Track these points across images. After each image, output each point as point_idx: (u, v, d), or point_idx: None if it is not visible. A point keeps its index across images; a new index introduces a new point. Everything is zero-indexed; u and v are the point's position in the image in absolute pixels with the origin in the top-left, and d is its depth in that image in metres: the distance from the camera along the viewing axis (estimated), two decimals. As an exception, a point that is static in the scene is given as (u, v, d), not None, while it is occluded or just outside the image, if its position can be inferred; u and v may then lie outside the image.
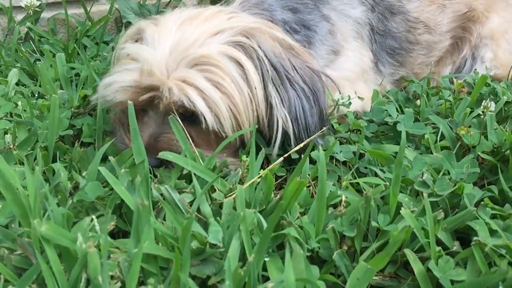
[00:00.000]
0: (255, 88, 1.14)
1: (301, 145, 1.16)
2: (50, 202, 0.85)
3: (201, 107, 1.09)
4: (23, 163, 1.17)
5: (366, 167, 1.20)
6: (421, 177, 1.02)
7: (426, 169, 1.09)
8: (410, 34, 1.69)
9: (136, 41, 1.22)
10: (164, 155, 1.05)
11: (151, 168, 1.04)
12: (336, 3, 1.52)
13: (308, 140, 1.16)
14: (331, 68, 1.42)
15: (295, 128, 1.18)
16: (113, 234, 0.98)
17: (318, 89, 1.21)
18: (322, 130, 1.21)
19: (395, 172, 0.96)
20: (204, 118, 1.10)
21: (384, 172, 1.14)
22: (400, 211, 0.89)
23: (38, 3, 1.91)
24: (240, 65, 1.14)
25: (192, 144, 1.10)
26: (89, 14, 2.05)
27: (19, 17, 2.00)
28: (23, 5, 1.90)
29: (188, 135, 1.11)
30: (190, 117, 1.13)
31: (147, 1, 2.15)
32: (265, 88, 1.16)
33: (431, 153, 1.24)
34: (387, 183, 1.02)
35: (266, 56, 1.16)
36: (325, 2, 1.50)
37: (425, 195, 0.91)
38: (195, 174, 1.03)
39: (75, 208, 1.00)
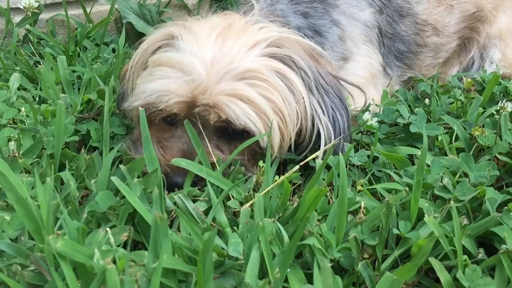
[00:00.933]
0: (303, 98, 1.14)
1: (323, 149, 1.15)
2: (64, 216, 0.82)
3: (256, 123, 1.08)
4: (28, 172, 1.14)
5: (380, 171, 1.18)
6: (441, 182, 1.00)
7: (443, 172, 1.07)
8: (419, 37, 1.68)
9: (160, 47, 1.20)
10: (177, 161, 1.02)
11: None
12: (345, 6, 1.51)
13: (330, 145, 1.15)
14: (341, 75, 1.40)
15: (335, 135, 1.17)
16: (125, 245, 0.95)
17: (343, 96, 1.21)
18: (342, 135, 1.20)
19: (416, 177, 0.94)
20: (250, 130, 1.09)
21: (400, 176, 1.12)
22: (424, 219, 0.87)
23: (36, 4, 1.86)
24: (285, 77, 1.13)
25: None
26: (88, 15, 2.01)
27: (17, 18, 1.96)
28: (21, 7, 1.85)
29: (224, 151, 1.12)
30: (227, 132, 1.12)
31: (147, 1, 2.11)
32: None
33: (445, 154, 1.22)
34: (406, 188, 1.00)
35: (302, 66, 1.16)
36: (334, 6, 1.48)
37: (452, 202, 0.89)
38: (209, 181, 1.00)
39: (85, 218, 0.97)
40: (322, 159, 1.10)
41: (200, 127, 1.10)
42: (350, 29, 1.48)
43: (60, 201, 0.91)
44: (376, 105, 1.41)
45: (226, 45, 1.12)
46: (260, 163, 1.06)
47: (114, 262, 0.77)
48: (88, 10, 2.02)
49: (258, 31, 1.17)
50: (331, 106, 1.17)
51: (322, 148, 1.15)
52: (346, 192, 0.89)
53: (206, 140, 1.10)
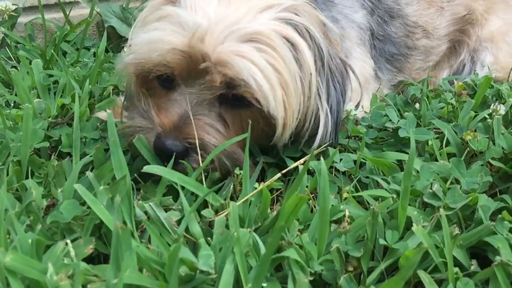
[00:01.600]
0: (311, 74, 1.04)
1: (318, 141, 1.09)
2: (16, 227, 0.75)
3: (259, 83, 0.97)
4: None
5: (367, 177, 1.11)
6: (431, 188, 0.93)
7: (433, 178, 1.01)
8: (409, 39, 1.65)
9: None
10: (149, 168, 0.95)
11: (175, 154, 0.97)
12: (341, 6, 1.46)
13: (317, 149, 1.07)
14: None
15: (331, 124, 1.10)
16: (93, 258, 0.88)
17: (345, 84, 1.14)
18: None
19: (403, 184, 0.87)
20: (257, 98, 0.99)
21: (388, 182, 1.05)
22: (412, 228, 0.80)
23: (14, 7, 1.81)
24: (296, 48, 1.03)
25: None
26: (68, 18, 1.95)
27: (-6, 22, 1.90)
28: (-3, 10, 1.79)
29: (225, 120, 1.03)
30: (229, 101, 1.03)
31: (130, 4, 2.05)
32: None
33: (436, 160, 1.16)
34: (393, 195, 0.93)
35: (317, 40, 1.06)
36: (333, 4, 1.44)
37: (441, 210, 0.82)
38: (183, 187, 0.93)
39: (50, 229, 0.90)
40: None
41: (200, 91, 1.01)
42: (348, 30, 1.44)
43: (21, 211, 0.84)
44: (365, 112, 1.35)
45: (234, 5, 1.02)
46: (237, 170, 1.00)
47: (72, 277, 0.70)
48: (68, 13, 1.95)
49: None
50: (334, 92, 1.09)
51: (318, 138, 1.08)
52: (328, 199, 0.83)
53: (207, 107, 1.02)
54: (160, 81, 1.08)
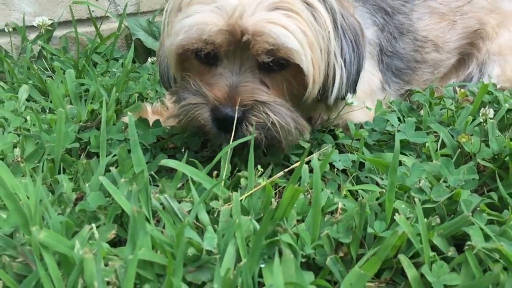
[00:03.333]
0: (329, 32, 1.17)
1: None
2: (50, 211, 0.87)
3: (293, 45, 1.10)
4: (31, 176, 1.21)
5: (366, 176, 1.21)
6: (418, 184, 1.02)
7: (425, 176, 1.09)
8: (418, 54, 1.70)
9: None
10: (166, 162, 1.06)
11: (232, 120, 1.12)
12: None
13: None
14: None
15: (344, 79, 1.21)
16: (115, 243, 1.00)
17: (360, 40, 1.24)
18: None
19: (390, 178, 0.97)
20: (293, 59, 1.13)
21: (383, 180, 1.15)
22: (395, 217, 0.90)
23: (50, 22, 1.97)
24: (315, 10, 1.16)
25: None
26: (99, 31, 2.10)
27: (32, 36, 2.07)
28: (35, 25, 1.96)
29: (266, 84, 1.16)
30: (267, 66, 1.16)
31: (156, 18, 2.20)
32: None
33: (432, 161, 1.24)
34: (383, 190, 1.03)
35: (329, 1, 1.19)
36: None
37: (416, 200, 0.92)
38: (193, 180, 1.05)
39: (78, 218, 1.03)
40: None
41: (240, 62, 1.16)
42: None
43: (53, 200, 0.97)
44: (367, 107, 1.44)
45: None
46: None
47: (95, 254, 0.82)
48: (99, 27, 2.11)
49: None
50: (347, 48, 1.20)
51: (335, 89, 1.20)
52: (320, 191, 0.93)
53: (250, 74, 1.16)
54: (202, 59, 1.20)
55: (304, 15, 1.14)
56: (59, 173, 1.22)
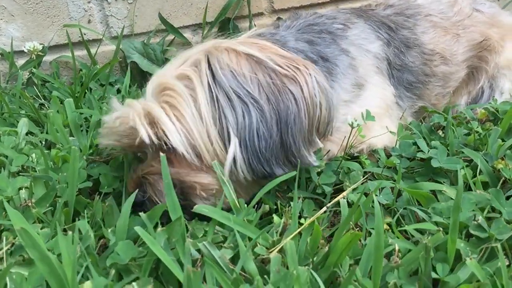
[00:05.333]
0: (200, 103, 1.07)
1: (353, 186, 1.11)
2: (92, 273, 0.77)
3: (140, 129, 1.07)
4: (41, 221, 1.10)
5: (405, 208, 1.14)
6: (475, 220, 0.96)
7: (472, 209, 1.03)
8: (427, 67, 1.66)
9: None
10: (199, 208, 0.98)
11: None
12: (353, 37, 1.49)
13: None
14: (358, 105, 1.38)
15: (243, 154, 1.07)
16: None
17: (281, 108, 1.08)
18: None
19: (452, 217, 0.90)
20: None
21: (426, 213, 1.08)
22: (466, 262, 0.83)
23: (41, 47, 1.85)
24: (190, 81, 1.10)
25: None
26: (93, 57, 2.00)
27: (20, 62, 1.95)
28: (25, 50, 1.84)
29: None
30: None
31: (151, 39, 2.10)
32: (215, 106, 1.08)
33: (469, 189, 1.19)
34: (440, 229, 0.96)
35: (213, 73, 1.09)
36: (343, 37, 1.47)
37: (493, 242, 0.85)
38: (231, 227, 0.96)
39: (104, 269, 0.93)
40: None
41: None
42: (360, 58, 1.45)
43: (84, 254, 0.86)
44: (390, 132, 1.39)
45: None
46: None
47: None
48: (95, 51, 2.01)
49: (198, 47, 1.18)
50: (247, 120, 1.07)
51: (227, 167, 1.08)
52: (382, 236, 0.86)
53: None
54: None
55: (177, 88, 1.09)
56: (73, 216, 1.12)
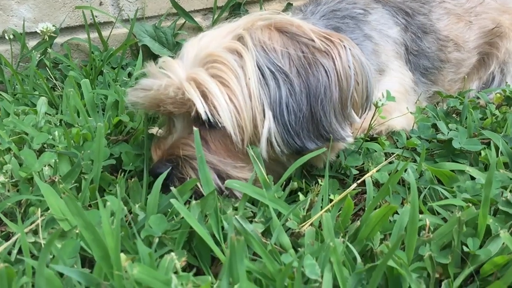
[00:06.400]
0: (249, 78, 1.06)
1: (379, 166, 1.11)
2: (138, 242, 0.78)
3: (197, 102, 1.04)
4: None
5: (427, 188, 1.15)
6: (503, 196, 0.97)
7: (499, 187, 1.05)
8: (442, 53, 1.68)
9: None
10: (230, 183, 0.98)
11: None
12: (374, 23, 1.50)
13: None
14: (377, 89, 1.38)
15: (273, 132, 1.06)
16: (183, 270, 0.91)
17: (311, 81, 1.07)
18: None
19: (484, 193, 0.91)
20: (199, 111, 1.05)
21: (449, 192, 1.09)
22: (500, 235, 0.84)
23: (53, 28, 1.84)
24: (240, 55, 1.08)
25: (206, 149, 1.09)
26: (105, 40, 1.99)
27: (31, 43, 1.93)
28: (38, 31, 1.83)
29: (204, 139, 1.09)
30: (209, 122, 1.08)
31: (162, 23, 2.10)
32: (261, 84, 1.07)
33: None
34: (470, 204, 0.97)
35: (255, 47, 1.08)
36: (365, 22, 1.48)
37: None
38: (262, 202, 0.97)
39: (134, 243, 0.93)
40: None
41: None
42: (383, 44, 1.47)
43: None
44: (411, 112, 1.40)
45: (205, 41, 1.14)
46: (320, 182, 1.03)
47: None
48: (108, 34, 2.00)
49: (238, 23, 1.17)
50: (280, 95, 1.06)
51: (263, 143, 1.07)
52: (417, 209, 0.86)
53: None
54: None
55: (226, 61, 1.07)
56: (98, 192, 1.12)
